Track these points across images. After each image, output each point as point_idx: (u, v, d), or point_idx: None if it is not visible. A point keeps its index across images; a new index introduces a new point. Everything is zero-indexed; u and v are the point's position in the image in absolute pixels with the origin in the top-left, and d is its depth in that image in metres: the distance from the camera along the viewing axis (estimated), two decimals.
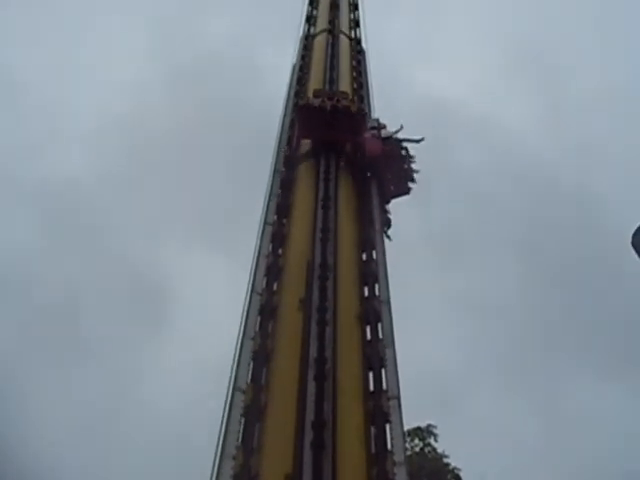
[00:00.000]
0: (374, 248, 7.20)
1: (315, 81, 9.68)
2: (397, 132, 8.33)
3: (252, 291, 6.11)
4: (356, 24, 12.36)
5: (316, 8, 12.66)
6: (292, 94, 9.99)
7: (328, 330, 5.29)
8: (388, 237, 7.84)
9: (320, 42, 11.13)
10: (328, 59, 10.19)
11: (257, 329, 5.73)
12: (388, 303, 6.36)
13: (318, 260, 6.08)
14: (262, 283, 6.30)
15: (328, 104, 7.82)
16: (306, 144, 8.23)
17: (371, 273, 6.81)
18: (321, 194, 7.10)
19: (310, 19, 12.26)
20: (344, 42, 11.28)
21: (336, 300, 5.75)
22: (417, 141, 8.33)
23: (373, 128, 8.35)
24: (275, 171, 8.12)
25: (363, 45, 11.65)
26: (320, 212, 6.81)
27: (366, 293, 6.55)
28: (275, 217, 7.33)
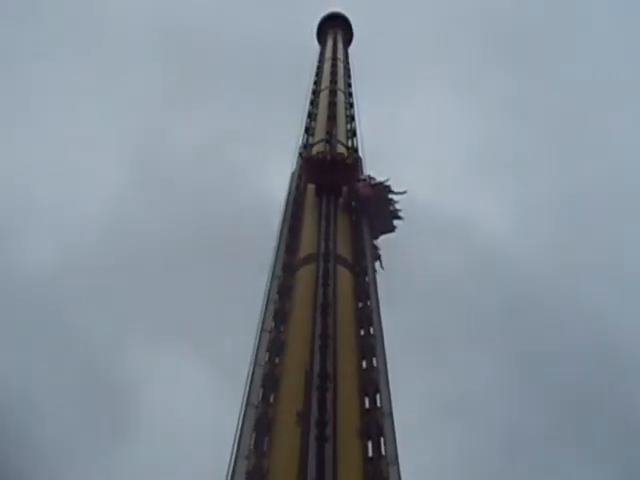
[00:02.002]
0: (374, 355, 6.95)
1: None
2: (386, 181, 10.11)
3: (247, 404, 5.79)
4: (353, 134, 12.87)
5: (314, 120, 13.26)
6: (291, 200, 10.18)
7: (327, 447, 4.95)
8: (381, 267, 9.31)
9: (318, 150, 11.48)
10: None
11: (252, 446, 5.36)
12: (390, 415, 6.01)
13: (317, 369, 5.83)
14: (258, 394, 5.99)
15: (328, 156, 10.10)
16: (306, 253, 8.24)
17: (372, 382, 6.51)
18: (320, 299, 6.96)
19: (308, 130, 12.82)
20: (341, 150, 11.64)
21: (336, 413, 5.44)
22: (401, 193, 10.08)
23: (364, 180, 10.10)
24: (273, 277, 8.04)
25: (360, 153, 12.03)
26: (319, 318, 6.63)
27: (367, 404, 6.22)
28: (272, 324, 7.14)
